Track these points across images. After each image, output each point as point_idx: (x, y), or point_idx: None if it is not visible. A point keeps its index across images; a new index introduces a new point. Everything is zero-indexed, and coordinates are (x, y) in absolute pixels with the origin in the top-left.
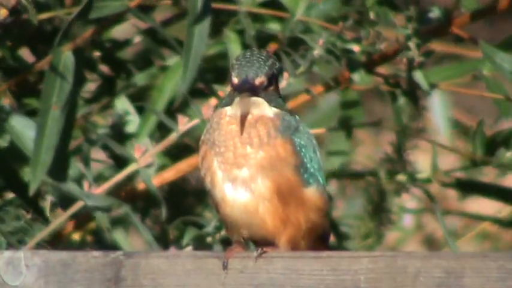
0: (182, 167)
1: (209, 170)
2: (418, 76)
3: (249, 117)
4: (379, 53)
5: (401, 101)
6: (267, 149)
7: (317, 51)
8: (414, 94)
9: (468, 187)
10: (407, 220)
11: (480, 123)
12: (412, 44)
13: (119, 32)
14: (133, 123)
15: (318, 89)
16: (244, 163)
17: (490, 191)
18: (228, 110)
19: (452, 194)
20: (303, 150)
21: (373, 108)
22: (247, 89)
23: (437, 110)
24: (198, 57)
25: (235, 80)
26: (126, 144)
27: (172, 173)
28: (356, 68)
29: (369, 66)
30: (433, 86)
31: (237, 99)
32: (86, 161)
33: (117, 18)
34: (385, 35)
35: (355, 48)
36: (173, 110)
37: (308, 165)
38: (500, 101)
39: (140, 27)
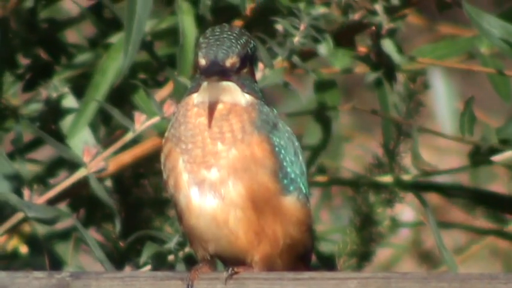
0: (124, 158)
1: (173, 171)
2: (388, 46)
3: (220, 106)
4: (350, 23)
5: (371, 77)
6: (241, 148)
7: (297, 39)
8: (390, 71)
9: (456, 191)
10: (404, 233)
11: (469, 102)
12: (379, 8)
13: (61, 12)
14: (71, 108)
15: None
16: (214, 162)
17: (482, 197)
18: (195, 97)
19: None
20: (283, 151)
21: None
22: (217, 72)
23: (441, 99)
24: (142, 25)
25: (203, 62)
26: (64, 137)
27: (111, 166)
28: (322, 38)
29: (339, 38)
30: (411, 58)
31: (204, 85)
32: (21, 160)
33: None
34: (358, 2)
35: (322, 11)
36: (117, 95)
37: (288, 170)
38: (496, 79)
39: (82, 6)
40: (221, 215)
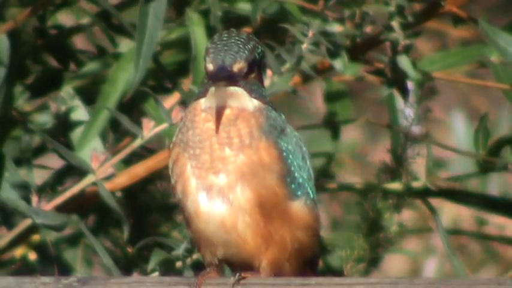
0: (137, 171)
1: (181, 177)
2: (404, 62)
3: (227, 111)
4: (364, 37)
5: (386, 92)
6: (249, 153)
7: (305, 45)
8: (402, 85)
9: (467, 198)
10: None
11: (483, 119)
12: (395, 24)
13: (68, 19)
14: (81, 121)
15: (294, 79)
16: (222, 168)
17: (494, 204)
18: (203, 102)
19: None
20: (290, 156)
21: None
22: (224, 77)
23: (459, 129)
24: (154, 40)
25: (210, 67)
26: (73, 148)
27: (125, 178)
28: (338, 54)
29: (353, 52)
30: (426, 75)
31: (212, 90)
32: (29, 168)
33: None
34: (372, 16)
35: (337, 28)
36: (126, 102)
37: (296, 175)
38: (509, 92)
39: (91, 12)
40: (229, 220)
